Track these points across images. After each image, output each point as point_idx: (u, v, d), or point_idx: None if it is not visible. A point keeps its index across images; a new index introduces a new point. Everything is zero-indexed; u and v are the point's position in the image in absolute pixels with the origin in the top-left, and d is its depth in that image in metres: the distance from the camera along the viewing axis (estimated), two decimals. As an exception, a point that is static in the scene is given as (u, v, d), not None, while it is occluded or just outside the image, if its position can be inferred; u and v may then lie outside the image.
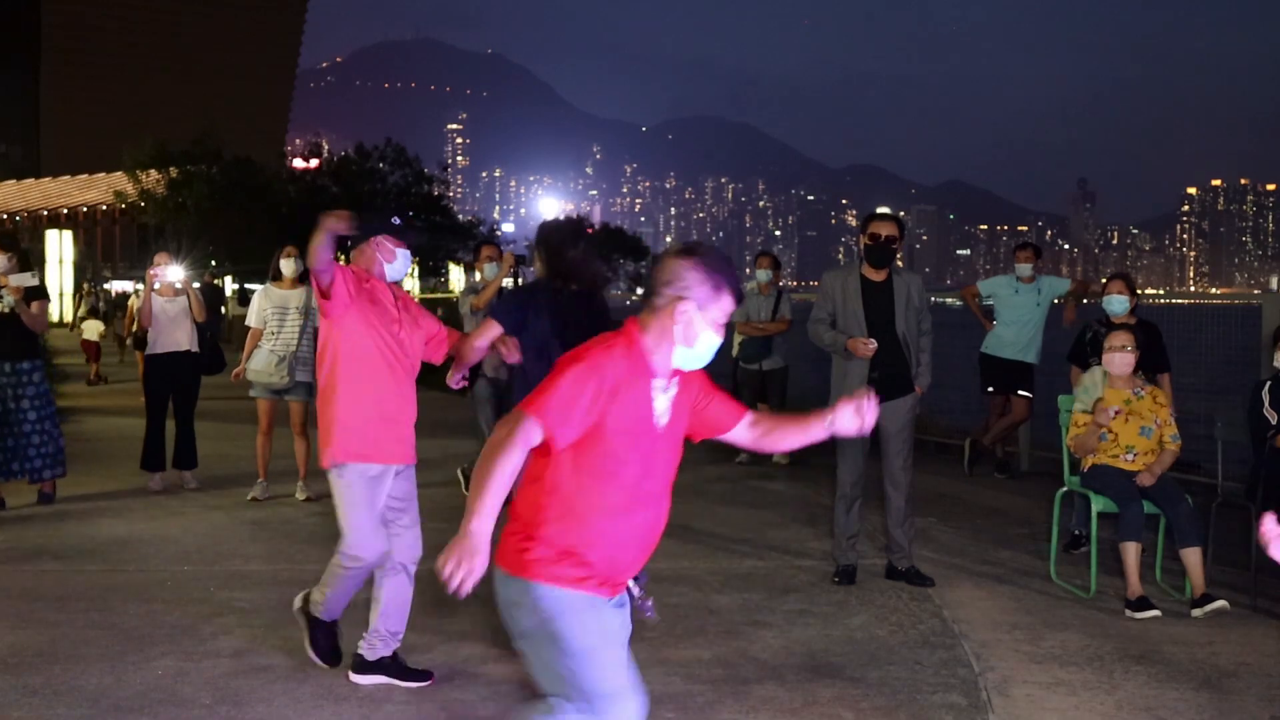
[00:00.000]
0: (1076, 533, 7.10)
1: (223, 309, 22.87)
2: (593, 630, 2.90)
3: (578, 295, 5.09)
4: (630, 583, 3.05)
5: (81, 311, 24.53)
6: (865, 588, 6.15)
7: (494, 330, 4.85)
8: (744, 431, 3.25)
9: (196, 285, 9.14)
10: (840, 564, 6.31)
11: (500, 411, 8.11)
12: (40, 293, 8.03)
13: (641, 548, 3.03)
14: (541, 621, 2.88)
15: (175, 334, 8.77)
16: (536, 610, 2.88)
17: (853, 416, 3.15)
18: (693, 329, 2.94)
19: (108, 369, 19.81)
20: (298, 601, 4.83)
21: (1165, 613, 5.72)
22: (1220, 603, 5.65)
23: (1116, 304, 7.26)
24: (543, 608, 2.88)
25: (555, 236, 5.14)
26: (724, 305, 2.98)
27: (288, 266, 8.33)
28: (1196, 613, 5.68)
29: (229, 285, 38.63)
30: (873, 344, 6.08)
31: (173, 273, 8.73)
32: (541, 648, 2.92)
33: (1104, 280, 7.71)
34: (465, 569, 2.69)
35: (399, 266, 4.75)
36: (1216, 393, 8.77)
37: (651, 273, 3.07)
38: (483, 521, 2.75)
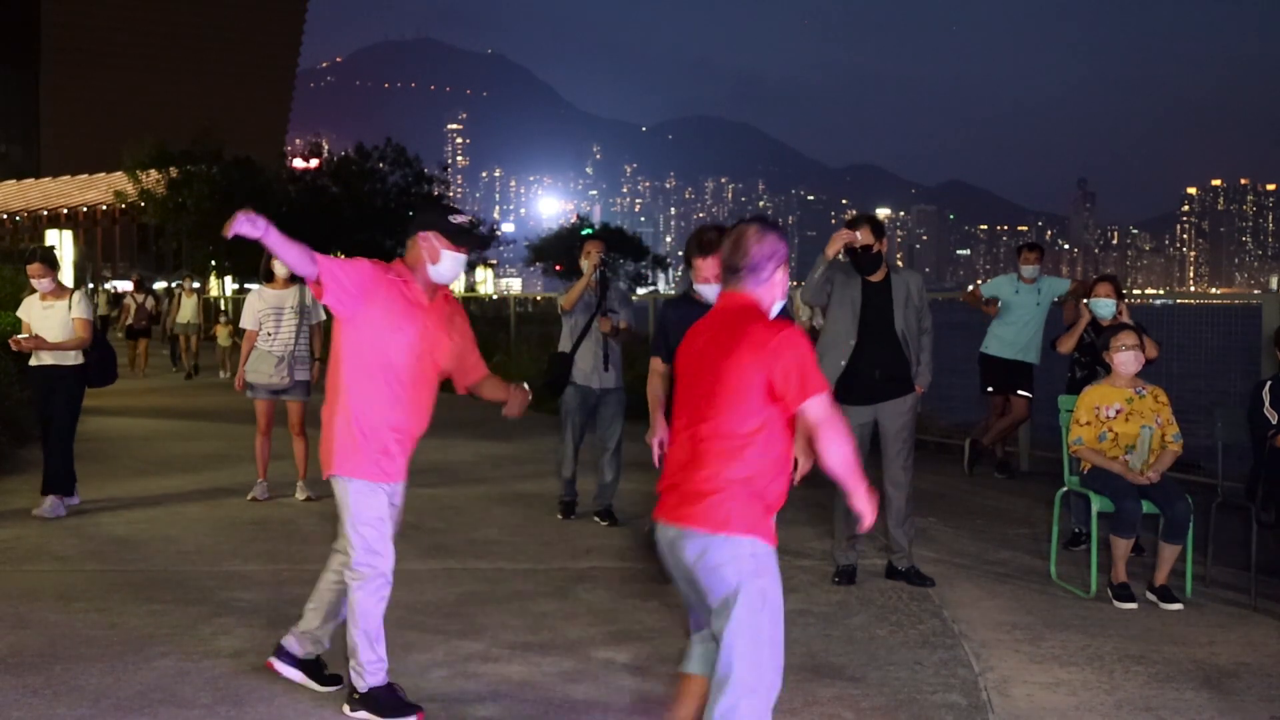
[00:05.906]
0: (1077, 530, 7.10)
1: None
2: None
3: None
4: None
5: (102, 310, 24.80)
6: (865, 588, 6.15)
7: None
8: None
9: (82, 300, 7.93)
10: (840, 564, 6.31)
11: (589, 418, 7.82)
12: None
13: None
14: None
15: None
16: None
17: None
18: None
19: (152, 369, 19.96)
20: (346, 708, 4.34)
21: (1166, 613, 5.73)
22: (1176, 605, 5.80)
23: (1103, 307, 7.25)
24: None
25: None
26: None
27: (280, 267, 8.33)
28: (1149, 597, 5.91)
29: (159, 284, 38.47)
30: (853, 234, 6.10)
31: (45, 284, 7.82)
32: None
33: (1094, 280, 7.68)
34: None
35: (445, 269, 4.29)
36: (1216, 392, 8.76)
37: None
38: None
